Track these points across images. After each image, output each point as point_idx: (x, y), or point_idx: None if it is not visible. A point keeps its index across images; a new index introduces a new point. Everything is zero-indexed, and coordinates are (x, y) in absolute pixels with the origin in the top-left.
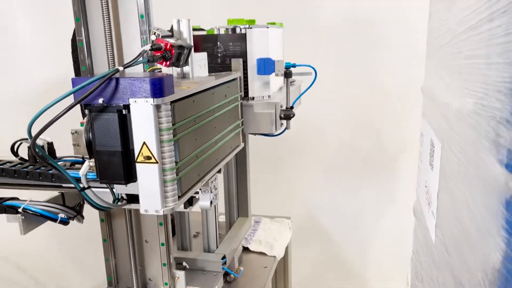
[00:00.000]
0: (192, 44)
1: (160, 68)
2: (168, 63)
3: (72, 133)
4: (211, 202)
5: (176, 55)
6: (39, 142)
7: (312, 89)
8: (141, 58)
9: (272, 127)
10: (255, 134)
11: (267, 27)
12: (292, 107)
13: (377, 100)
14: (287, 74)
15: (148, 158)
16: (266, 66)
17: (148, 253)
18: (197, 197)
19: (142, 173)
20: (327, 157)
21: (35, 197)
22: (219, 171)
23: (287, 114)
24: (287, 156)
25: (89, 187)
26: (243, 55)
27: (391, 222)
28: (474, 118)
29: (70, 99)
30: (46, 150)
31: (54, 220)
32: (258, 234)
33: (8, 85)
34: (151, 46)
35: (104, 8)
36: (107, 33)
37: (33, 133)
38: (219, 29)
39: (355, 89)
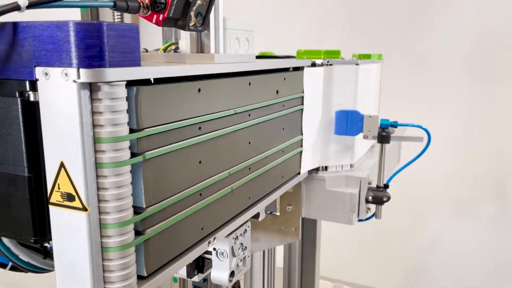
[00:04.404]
0: None
1: (176, 44)
2: (161, 17)
3: None
4: (231, 274)
5: (180, 5)
6: None
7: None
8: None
9: (352, 215)
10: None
11: (357, 64)
12: (387, 185)
13: None
14: (383, 138)
15: (70, 197)
16: (350, 122)
17: None
18: (210, 256)
19: (58, 226)
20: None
21: None
22: (255, 217)
23: (379, 197)
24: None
25: None
26: None
27: None
28: None
29: None
30: None
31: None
32: None
33: None
34: None
35: None
36: None
37: None
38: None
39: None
